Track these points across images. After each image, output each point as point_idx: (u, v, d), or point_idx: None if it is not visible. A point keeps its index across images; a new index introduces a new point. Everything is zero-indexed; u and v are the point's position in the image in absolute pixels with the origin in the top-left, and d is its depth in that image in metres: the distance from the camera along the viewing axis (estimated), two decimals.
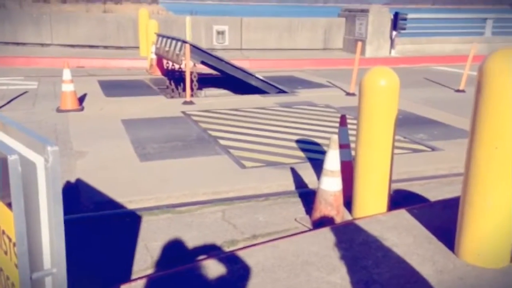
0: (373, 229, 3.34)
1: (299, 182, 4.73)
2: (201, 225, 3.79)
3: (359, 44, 9.66)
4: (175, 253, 3.38)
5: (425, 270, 2.82)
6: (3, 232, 1.56)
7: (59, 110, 7.37)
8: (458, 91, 9.97)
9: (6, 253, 1.56)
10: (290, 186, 4.66)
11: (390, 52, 15.52)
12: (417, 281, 2.72)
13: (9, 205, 1.49)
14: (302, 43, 15.92)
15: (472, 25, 18.04)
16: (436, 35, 17.21)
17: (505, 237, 2.78)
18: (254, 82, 9.52)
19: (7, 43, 14.21)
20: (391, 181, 3.79)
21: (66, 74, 7.36)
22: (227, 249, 3.42)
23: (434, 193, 4.53)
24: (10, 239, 1.51)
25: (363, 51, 14.01)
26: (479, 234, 2.81)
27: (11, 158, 1.42)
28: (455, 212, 3.04)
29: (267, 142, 5.98)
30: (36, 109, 7.56)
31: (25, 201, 1.47)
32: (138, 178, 4.68)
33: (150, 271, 3.12)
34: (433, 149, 5.90)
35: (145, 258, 3.27)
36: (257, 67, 12.50)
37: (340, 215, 3.72)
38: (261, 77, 9.65)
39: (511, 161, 2.63)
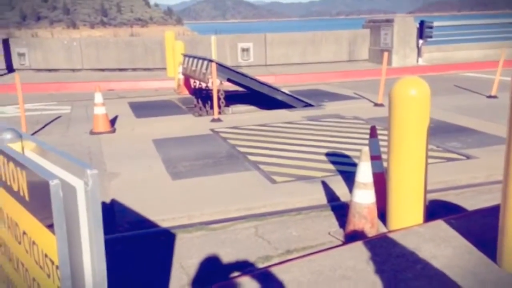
0: (410, 241, 3.27)
1: (330, 195, 4.68)
2: (235, 242, 3.79)
3: (386, 54, 9.58)
4: (210, 271, 3.39)
5: (467, 282, 2.74)
6: (46, 256, 1.59)
7: (92, 133, 7.56)
8: (490, 97, 9.74)
9: (49, 276, 1.59)
10: (322, 199, 4.62)
11: (417, 61, 15.34)
12: None
13: (49, 227, 1.53)
14: (327, 56, 15.92)
15: (500, 30, 17.67)
16: (463, 42, 16.93)
17: None
18: (280, 97, 9.55)
19: (40, 70, 14.72)
20: (426, 191, 3.72)
21: (98, 98, 7.56)
22: (261, 265, 3.40)
23: (471, 202, 4.41)
24: (52, 262, 1.54)
25: (389, 61, 13.89)
26: None
27: (53, 183, 1.46)
28: (495, 221, 2.95)
29: (296, 156, 5.96)
30: (70, 132, 7.77)
31: (66, 225, 1.50)
32: (171, 197, 4.73)
33: None
34: (467, 157, 5.76)
35: (181, 276, 3.29)
36: (282, 82, 12.54)
37: (375, 228, 3.66)
38: (287, 92, 9.67)
39: None
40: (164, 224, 4.15)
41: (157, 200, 4.65)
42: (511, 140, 2.67)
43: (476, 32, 17.18)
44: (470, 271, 2.85)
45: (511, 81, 2.65)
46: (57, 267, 1.52)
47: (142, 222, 4.17)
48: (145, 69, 14.91)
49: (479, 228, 3.41)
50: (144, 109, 9.73)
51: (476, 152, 5.91)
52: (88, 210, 1.56)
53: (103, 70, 14.78)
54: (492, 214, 3.36)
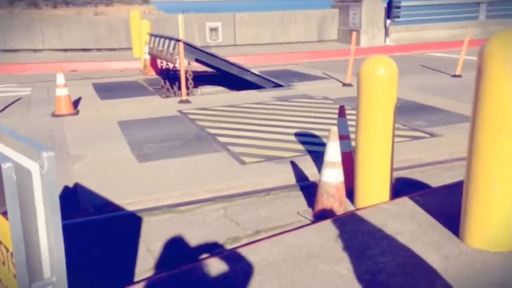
0: (377, 218, 3.31)
1: (299, 175, 4.70)
2: (203, 224, 3.76)
3: (354, 34, 9.61)
4: (178, 253, 3.35)
5: (431, 256, 2.79)
6: (0, 242, 1.52)
7: (54, 115, 7.33)
8: (454, 76, 9.94)
9: (4, 263, 1.52)
10: (291, 179, 4.62)
11: (385, 41, 15.47)
12: (424, 267, 2.70)
13: (4, 214, 1.46)
14: (296, 36, 15.86)
15: (466, 9, 17.98)
16: (430, 22, 17.15)
17: (511, 220, 2.75)
18: (249, 78, 9.47)
19: None
20: (392, 169, 3.76)
21: (60, 79, 7.31)
22: (230, 246, 3.38)
23: (435, 179, 4.50)
24: (7, 249, 1.47)
25: (358, 41, 13.95)
26: (484, 218, 2.78)
27: (5, 166, 1.38)
28: (458, 197, 3.01)
29: (265, 137, 5.94)
30: (30, 115, 7.51)
31: (21, 209, 1.43)
32: (137, 179, 4.64)
33: (152, 272, 3.09)
34: (432, 135, 5.87)
35: (147, 260, 3.24)
36: (252, 62, 12.45)
37: (343, 206, 3.69)
38: (256, 72, 9.60)
39: None
40: (130, 207, 4.07)
41: (123, 183, 4.56)
42: (475, 118, 2.71)
43: (443, 12, 17.42)
44: (434, 246, 2.91)
45: (477, 61, 2.67)
46: (12, 254, 1.45)
47: (108, 206, 4.08)
48: (110, 49, 14.51)
49: (443, 204, 3.48)
50: (109, 90, 9.49)
51: (440, 130, 6.02)
52: (44, 194, 1.49)
53: (65, 50, 14.29)
54: (455, 190, 3.43)
